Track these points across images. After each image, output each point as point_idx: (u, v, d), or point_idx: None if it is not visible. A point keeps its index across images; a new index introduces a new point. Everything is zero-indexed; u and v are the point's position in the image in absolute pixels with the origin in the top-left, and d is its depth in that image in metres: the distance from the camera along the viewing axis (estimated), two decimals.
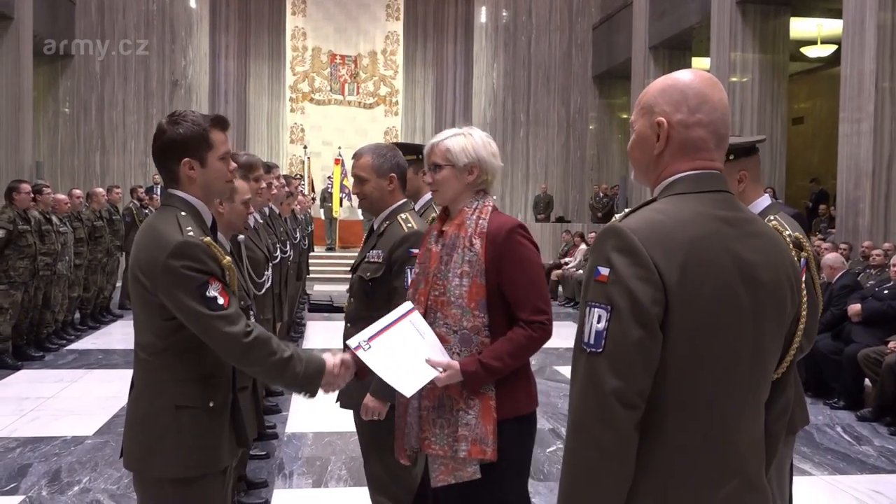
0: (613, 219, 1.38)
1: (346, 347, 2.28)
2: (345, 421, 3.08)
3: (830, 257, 6.88)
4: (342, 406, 2.77)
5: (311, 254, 12.05)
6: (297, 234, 7.15)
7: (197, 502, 2.02)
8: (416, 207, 3.11)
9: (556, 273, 12.77)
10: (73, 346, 7.97)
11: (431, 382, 2.14)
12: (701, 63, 14.14)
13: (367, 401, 2.56)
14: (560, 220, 17.25)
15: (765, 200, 2.63)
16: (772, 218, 2.49)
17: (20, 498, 3.92)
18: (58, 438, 4.84)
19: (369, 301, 2.65)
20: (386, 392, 2.35)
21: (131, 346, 2.12)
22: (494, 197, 2.38)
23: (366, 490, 2.88)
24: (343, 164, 16.58)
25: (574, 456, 1.33)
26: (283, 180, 5.63)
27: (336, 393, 2.60)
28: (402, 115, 19.31)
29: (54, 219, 7.52)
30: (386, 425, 2.48)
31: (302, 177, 16.33)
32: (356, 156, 2.80)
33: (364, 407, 2.58)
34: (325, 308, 10.64)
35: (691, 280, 1.30)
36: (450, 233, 2.28)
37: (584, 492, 1.31)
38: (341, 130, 18.52)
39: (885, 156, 8.72)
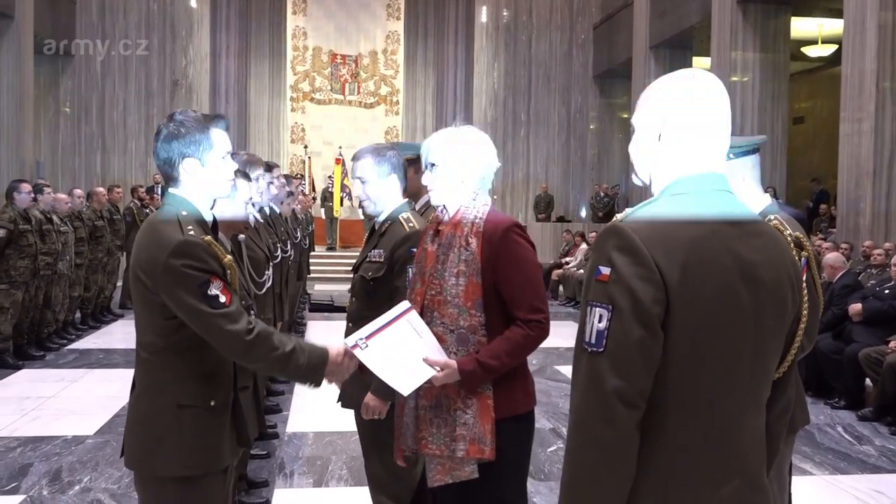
0: (615, 218, 1.38)
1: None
2: (345, 420, 3.08)
3: (831, 257, 6.87)
4: (343, 406, 2.77)
5: (312, 253, 12.04)
6: (298, 234, 7.15)
7: (198, 501, 2.03)
8: (417, 207, 3.11)
9: (556, 273, 12.77)
10: (74, 345, 7.97)
11: (429, 381, 2.14)
12: (701, 63, 14.13)
13: (368, 399, 2.57)
14: (560, 219, 17.24)
15: (765, 200, 2.63)
16: (772, 217, 2.49)
17: (21, 497, 3.92)
18: (58, 438, 4.84)
19: (371, 301, 2.65)
20: (387, 391, 2.34)
21: (132, 345, 2.12)
22: (495, 197, 2.38)
23: (366, 490, 2.88)
24: (344, 164, 16.56)
25: (575, 455, 1.32)
26: (283, 180, 5.63)
27: (337, 393, 2.61)
28: (402, 114, 19.31)
29: (55, 218, 7.52)
30: (386, 424, 2.48)
31: (302, 176, 16.34)
32: (356, 157, 2.79)
33: (365, 406, 2.58)
34: (326, 308, 10.64)
35: (692, 279, 1.30)
36: (446, 232, 2.27)
37: (586, 491, 1.31)
38: (342, 130, 18.52)
39: (886, 155, 8.72)
